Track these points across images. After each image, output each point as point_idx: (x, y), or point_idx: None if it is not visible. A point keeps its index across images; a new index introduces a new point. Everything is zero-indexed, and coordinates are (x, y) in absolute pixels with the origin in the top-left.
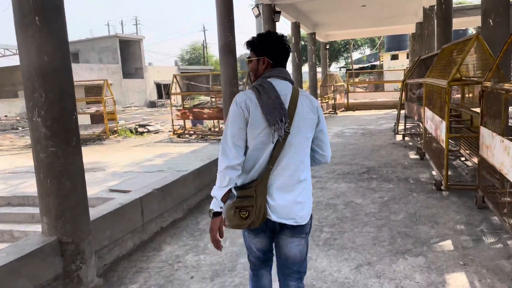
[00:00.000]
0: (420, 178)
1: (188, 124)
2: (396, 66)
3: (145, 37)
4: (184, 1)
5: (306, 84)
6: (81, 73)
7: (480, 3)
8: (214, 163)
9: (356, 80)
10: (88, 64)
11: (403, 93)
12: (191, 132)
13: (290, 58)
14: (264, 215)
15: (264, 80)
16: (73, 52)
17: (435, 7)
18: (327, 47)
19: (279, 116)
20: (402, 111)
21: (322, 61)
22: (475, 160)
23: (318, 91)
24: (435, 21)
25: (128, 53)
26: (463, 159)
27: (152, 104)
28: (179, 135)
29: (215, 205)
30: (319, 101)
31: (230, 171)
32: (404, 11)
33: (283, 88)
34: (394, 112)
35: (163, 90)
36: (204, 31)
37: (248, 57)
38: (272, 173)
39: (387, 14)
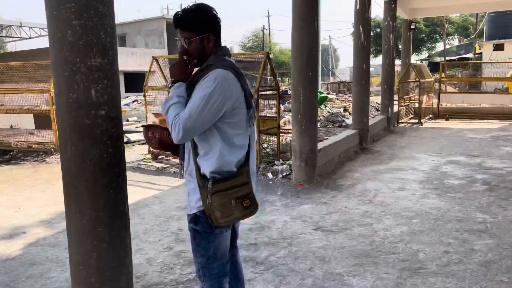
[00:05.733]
0: None
1: None
2: (500, 59)
3: None
4: None
5: (376, 79)
6: (122, 58)
7: None
8: None
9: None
10: (128, 48)
11: None
12: None
13: (350, 38)
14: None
15: (226, 59)
16: (119, 35)
17: None
18: (413, 27)
19: (252, 97)
20: None
21: (404, 47)
22: None
23: (395, 88)
24: None
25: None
26: None
27: None
28: (156, 157)
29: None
30: (397, 103)
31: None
32: None
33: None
34: None
35: None
36: (268, 17)
37: (187, 38)
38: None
39: None
